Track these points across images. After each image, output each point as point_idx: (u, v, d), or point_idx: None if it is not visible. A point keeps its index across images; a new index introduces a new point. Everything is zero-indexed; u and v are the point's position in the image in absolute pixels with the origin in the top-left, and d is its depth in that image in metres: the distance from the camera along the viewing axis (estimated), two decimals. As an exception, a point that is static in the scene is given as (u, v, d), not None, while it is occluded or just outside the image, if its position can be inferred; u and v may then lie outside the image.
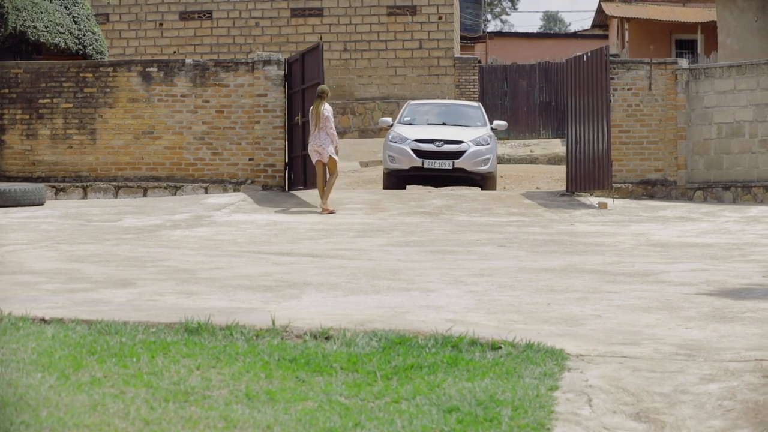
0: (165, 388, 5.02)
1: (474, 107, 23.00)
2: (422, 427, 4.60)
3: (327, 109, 17.25)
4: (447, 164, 20.16)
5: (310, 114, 17.60)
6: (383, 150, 21.11)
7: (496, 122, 22.09)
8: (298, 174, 19.83)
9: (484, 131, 21.13)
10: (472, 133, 20.80)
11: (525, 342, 5.95)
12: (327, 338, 6.09)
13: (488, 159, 20.39)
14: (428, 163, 20.15)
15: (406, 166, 20.32)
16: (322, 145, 17.21)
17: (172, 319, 6.46)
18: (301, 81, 19.53)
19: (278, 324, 6.28)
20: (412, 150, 20.24)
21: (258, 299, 7.91)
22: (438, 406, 4.87)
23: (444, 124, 21.59)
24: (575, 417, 4.85)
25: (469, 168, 20.23)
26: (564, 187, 20.86)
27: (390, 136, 20.90)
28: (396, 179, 20.68)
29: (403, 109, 22.81)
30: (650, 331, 6.75)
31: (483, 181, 20.64)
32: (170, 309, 7.09)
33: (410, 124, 21.55)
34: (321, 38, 29.32)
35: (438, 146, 20.30)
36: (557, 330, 6.70)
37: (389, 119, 22.22)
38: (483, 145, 20.49)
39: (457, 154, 20.21)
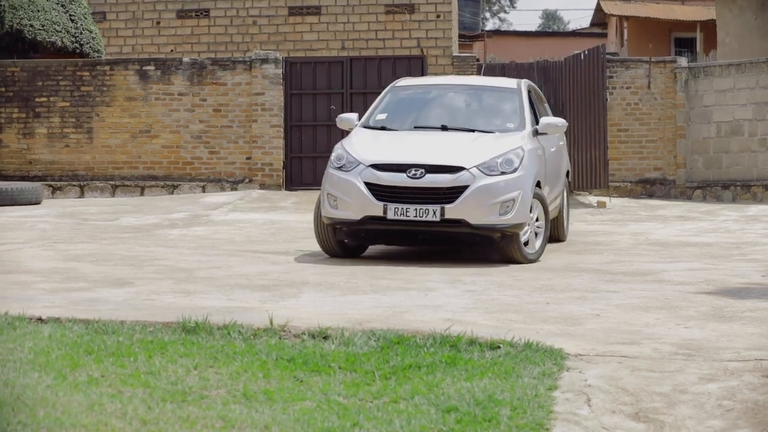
0: (162, 388, 4.99)
1: (510, 91, 12.29)
2: (420, 427, 4.57)
3: None
4: (431, 212, 10.46)
5: None
6: (323, 182, 11.27)
7: (545, 121, 11.97)
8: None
9: (517, 140, 11.29)
10: (488, 148, 11.03)
11: (524, 341, 5.94)
12: (325, 338, 6.07)
13: (512, 200, 10.67)
14: (395, 211, 10.52)
15: (355, 215, 10.69)
16: None
17: (170, 318, 6.44)
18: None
19: (276, 323, 6.26)
20: (367, 185, 10.68)
21: (256, 298, 7.89)
22: (436, 405, 4.85)
23: (444, 127, 11.67)
24: (574, 417, 4.83)
25: (472, 220, 10.55)
26: (562, 186, 20.64)
27: (333, 155, 11.21)
28: (344, 236, 11.06)
29: (381, 96, 12.43)
30: (649, 330, 6.73)
31: (504, 242, 10.77)
32: (168, 308, 7.07)
33: (383, 127, 11.79)
34: (319, 36, 29.30)
35: (414, 177, 10.57)
36: (556, 329, 6.68)
37: (353, 117, 12.08)
38: (504, 172, 10.78)
39: (450, 194, 10.56)
